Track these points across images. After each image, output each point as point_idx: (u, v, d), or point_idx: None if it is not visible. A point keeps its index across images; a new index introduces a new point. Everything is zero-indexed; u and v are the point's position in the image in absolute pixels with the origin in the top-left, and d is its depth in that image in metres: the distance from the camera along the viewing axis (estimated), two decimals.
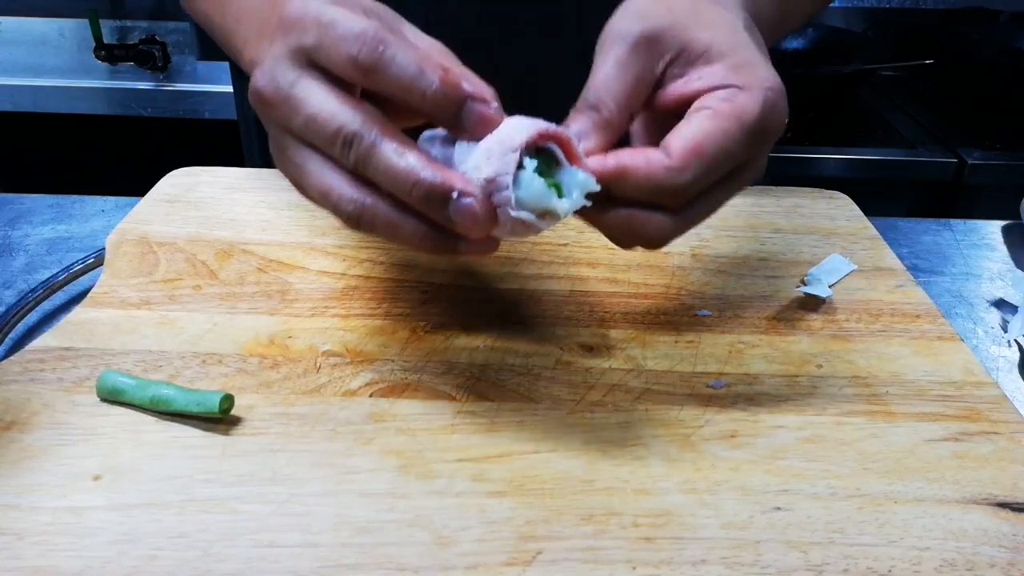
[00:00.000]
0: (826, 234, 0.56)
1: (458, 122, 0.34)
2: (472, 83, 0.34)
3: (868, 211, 0.60)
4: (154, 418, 0.38)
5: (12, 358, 0.41)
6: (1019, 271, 0.59)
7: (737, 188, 0.38)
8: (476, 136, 0.34)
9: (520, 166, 0.33)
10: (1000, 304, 0.55)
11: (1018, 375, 0.48)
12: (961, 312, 0.54)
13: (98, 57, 1.47)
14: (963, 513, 0.34)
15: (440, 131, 0.36)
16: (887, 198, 1.31)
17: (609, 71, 0.37)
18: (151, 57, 1.46)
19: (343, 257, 0.51)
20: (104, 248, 0.51)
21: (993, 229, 0.65)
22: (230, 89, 1.12)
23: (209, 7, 0.50)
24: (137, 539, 0.32)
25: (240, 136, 0.80)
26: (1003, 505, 0.35)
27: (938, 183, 1.31)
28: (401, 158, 0.33)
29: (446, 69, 0.33)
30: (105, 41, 1.47)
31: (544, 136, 0.34)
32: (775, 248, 0.54)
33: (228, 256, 0.51)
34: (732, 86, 0.36)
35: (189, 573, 0.30)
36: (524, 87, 0.61)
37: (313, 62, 0.34)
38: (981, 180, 1.29)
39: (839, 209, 0.60)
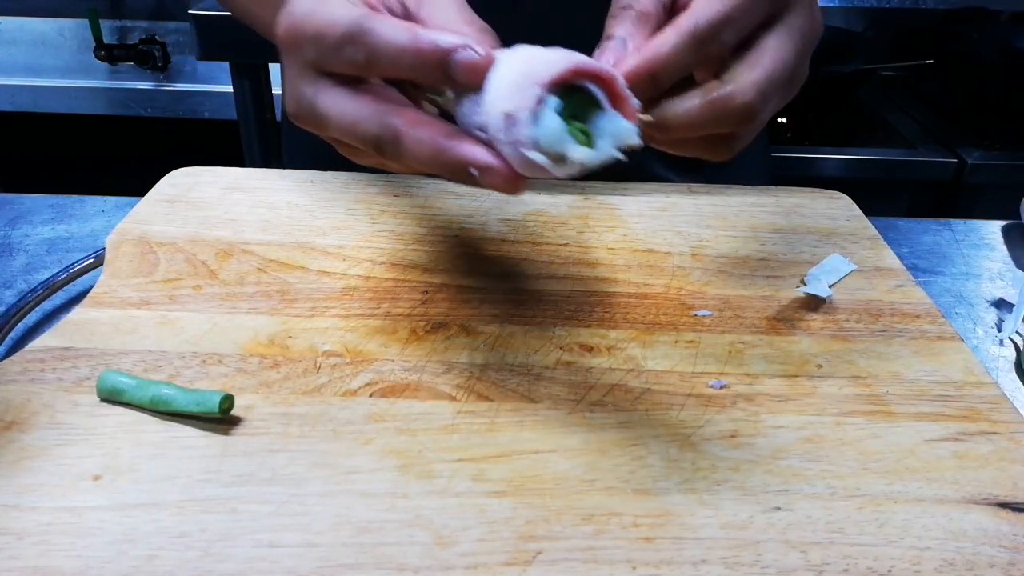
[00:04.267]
0: (826, 234, 0.56)
1: (451, 80, 0.33)
2: (446, 37, 0.33)
3: (868, 211, 0.60)
4: (154, 418, 0.38)
5: (12, 358, 0.41)
6: (1019, 271, 0.59)
7: (800, 35, 0.37)
8: (472, 85, 0.32)
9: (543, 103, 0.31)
10: (1000, 304, 0.55)
11: (1016, 375, 0.48)
12: (961, 312, 0.54)
13: (98, 57, 1.47)
14: (963, 513, 0.34)
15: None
16: (887, 198, 1.31)
17: None
18: (151, 57, 1.46)
19: (343, 257, 0.51)
20: (104, 248, 0.51)
21: (993, 229, 0.65)
22: (230, 89, 1.12)
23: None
24: (137, 539, 0.32)
25: (240, 136, 0.80)
26: (1003, 505, 0.35)
27: (938, 183, 1.31)
28: (421, 146, 0.33)
29: (420, 34, 0.33)
30: (105, 41, 1.47)
31: (579, 73, 0.31)
32: (775, 248, 0.54)
33: (228, 256, 0.51)
34: None
35: (189, 573, 0.30)
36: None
37: (322, 70, 0.35)
38: (981, 180, 1.29)
39: (839, 209, 0.60)
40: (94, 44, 1.46)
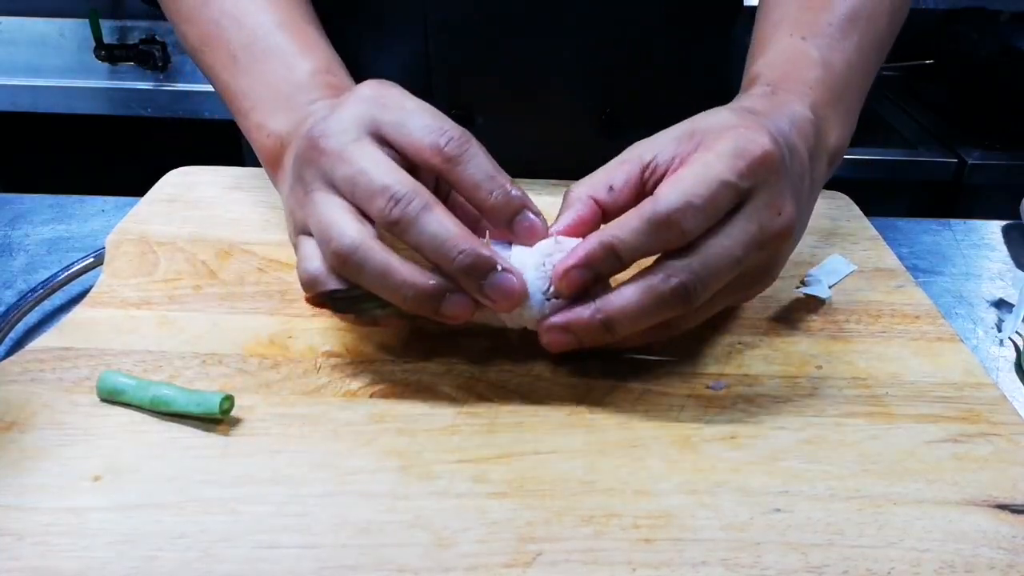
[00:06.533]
0: (826, 234, 0.56)
1: (511, 226, 0.39)
2: (528, 200, 0.39)
3: (868, 211, 0.60)
4: (154, 418, 0.38)
5: (12, 358, 0.41)
6: (1019, 271, 0.59)
7: (758, 228, 0.37)
8: (520, 241, 0.39)
9: None
10: (1000, 304, 0.55)
11: (1016, 375, 0.48)
12: (961, 312, 0.54)
13: (98, 57, 1.47)
14: (962, 515, 0.34)
15: None
16: (887, 198, 1.31)
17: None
18: (151, 57, 1.46)
19: None
20: (104, 248, 0.51)
21: (993, 229, 0.65)
22: None
23: (216, 62, 0.50)
24: (137, 540, 0.32)
25: (240, 136, 0.80)
26: (1002, 507, 0.35)
27: (938, 183, 1.31)
28: (452, 225, 0.36)
29: (511, 180, 0.38)
30: (105, 41, 1.47)
31: None
32: None
33: (228, 256, 0.51)
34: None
35: (189, 574, 0.30)
36: (525, 79, 0.62)
37: (380, 135, 0.38)
38: (981, 180, 1.30)
39: (839, 209, 0.60)
40: (94, 44, 1.46)
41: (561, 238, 0.39)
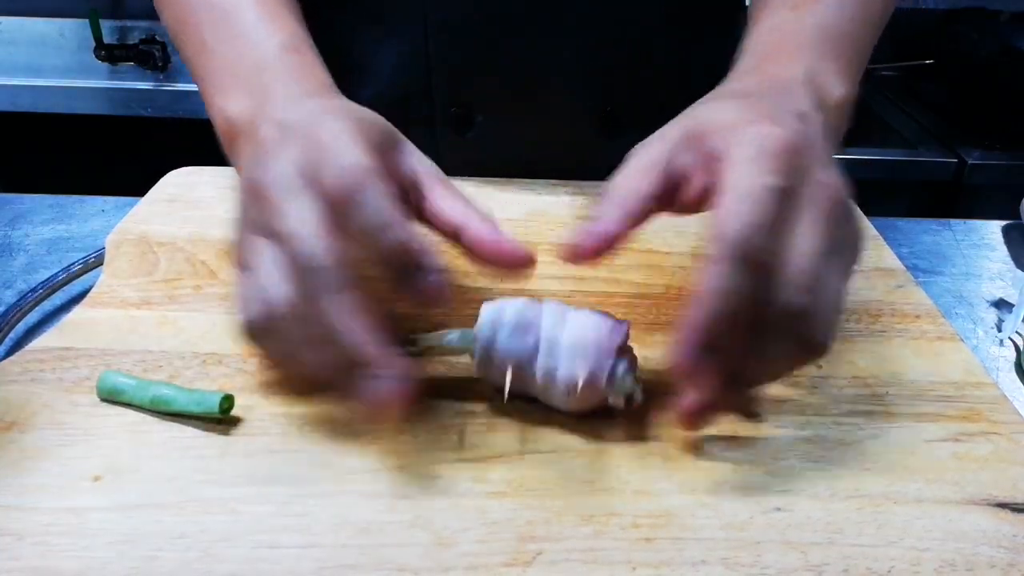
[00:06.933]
0: None
1: (404, 283, 0.34)
2: (429, 256, 0.34)
3: (868, 211, 0.59)
4: (154, 418, 0.38)
5: (12, 358, 0.41)
6: (1019, 271, 0.59)
7: (823, 217, 0.34)
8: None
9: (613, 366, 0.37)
10: (1000, 304, 0.55)
11: (1017, 375, 0.48)
12: (961, 312, 0.54)
13: (98, 57, 1.47)
14: (963, 514, 0.34)
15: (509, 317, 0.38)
16: (887, 198, 1.31)
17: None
18: (151, 57, 1.46)
19: None
20: (104, 248, 0.51)
21: (993, 229, 0.65)
22: None
23: (190, 47, 0.48)
24: (137, 540, 0.32)
25: None
26: (1002, 506, 0.35)
27: (938, 183, 1.31)
28: (346, 318, 0.33)
29: (411, 236, 0.34)
30: (105, 41, 1.47)
31: (625, 337, 0.38)
32: None
33: (228, 256, 0.51)
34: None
35: (189, 574, 0.30)
36: (525, 79, 0.62)
37: (313, 177, 0.35)
38: (981, 180, 1.29)
39: None
40: (94, 44, 1.46)
41: (528, 302, 0.39)
